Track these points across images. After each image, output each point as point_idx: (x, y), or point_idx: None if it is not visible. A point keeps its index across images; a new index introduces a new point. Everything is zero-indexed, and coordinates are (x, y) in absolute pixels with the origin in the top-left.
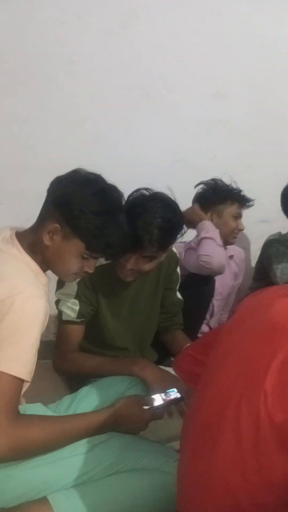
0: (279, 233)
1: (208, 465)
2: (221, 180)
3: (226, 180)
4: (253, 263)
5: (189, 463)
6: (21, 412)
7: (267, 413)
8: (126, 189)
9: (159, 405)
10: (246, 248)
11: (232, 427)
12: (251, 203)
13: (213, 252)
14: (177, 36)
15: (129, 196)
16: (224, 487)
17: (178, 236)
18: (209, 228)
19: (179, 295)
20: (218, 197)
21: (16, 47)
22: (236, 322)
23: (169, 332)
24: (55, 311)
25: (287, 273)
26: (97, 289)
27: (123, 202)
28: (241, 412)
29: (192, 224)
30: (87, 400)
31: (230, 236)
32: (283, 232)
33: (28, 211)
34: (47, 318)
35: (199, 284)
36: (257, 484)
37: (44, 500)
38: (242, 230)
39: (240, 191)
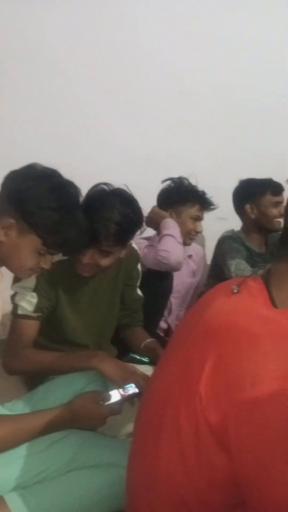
0: (232, 230)
1: (152, 463)
2: (187, 180)
3: (193, 181)
4: (210, 259)
5: (135, 459)
6: None
7: (203, 415)
8: (88, 186)
9: (117, 401)
10: (204, 245)
11: (172, 427)
12: (213, 206)
13: (172, 248)
14: (140, 34)
15: (89, 191)
16: (169, 485)
17: (137, 233)
18: (171, 226)
19: (139, 292)
20: (180, 197)
21: None
22: (184, 321)
23: (129, 329)
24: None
25: (240, 268)
26: (56, 284)
27: (81, 198)
28: (180, 413)
29: (156, 225)
30: (45, 398)
31: (186, 237)
32: (236, 229)
33: None
34: (0, 314)
35: (157, 281)
36: (200, 483)
37: (0, 500)
38: (199, 232)
39: (204, 193)
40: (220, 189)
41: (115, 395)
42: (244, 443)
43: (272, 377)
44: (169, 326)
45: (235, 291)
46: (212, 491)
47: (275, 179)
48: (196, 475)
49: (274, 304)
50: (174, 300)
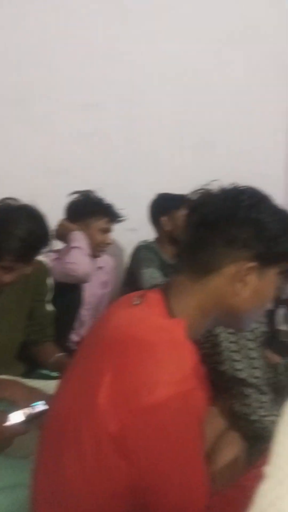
0: (146, 241)
1: (56, 479)
2: (93, 193)
3: (101, 193)
4: (121, 269)
5: (39, 477)
6: None
7: (104, 426)
8: None
9: (22, 421)
10: (116, 255)
11: (74, 441)
12: (120, 219)
13: (79, 260)
14: (50, 43)
15: None
16: (73, 499)
17: (43, 250)
18: (78, 238)
19: (49, 307)
20: (87, 210)
21: None
22: (89, 333)
23: (38, 344)
24: None
25: (153, 277)
26: None
27: None
28: (81, 427)
29: (64, 238)
30: None
31: (96, 249)
32: (149, 239)
33: None
34: None
35: (66, 294)
36: (103, 495)
37: None
38: (109, 244)
39: (111, 206)
40: (130, 200)
41: (20, 415)
42: (142, 450)
43: (166, 383)
44: (82, 338)
45: (135, 302)
46: (114, 502)
47: (182, 191)
48: (98, 487)
49: (171, 314)
50: (86, 312)
